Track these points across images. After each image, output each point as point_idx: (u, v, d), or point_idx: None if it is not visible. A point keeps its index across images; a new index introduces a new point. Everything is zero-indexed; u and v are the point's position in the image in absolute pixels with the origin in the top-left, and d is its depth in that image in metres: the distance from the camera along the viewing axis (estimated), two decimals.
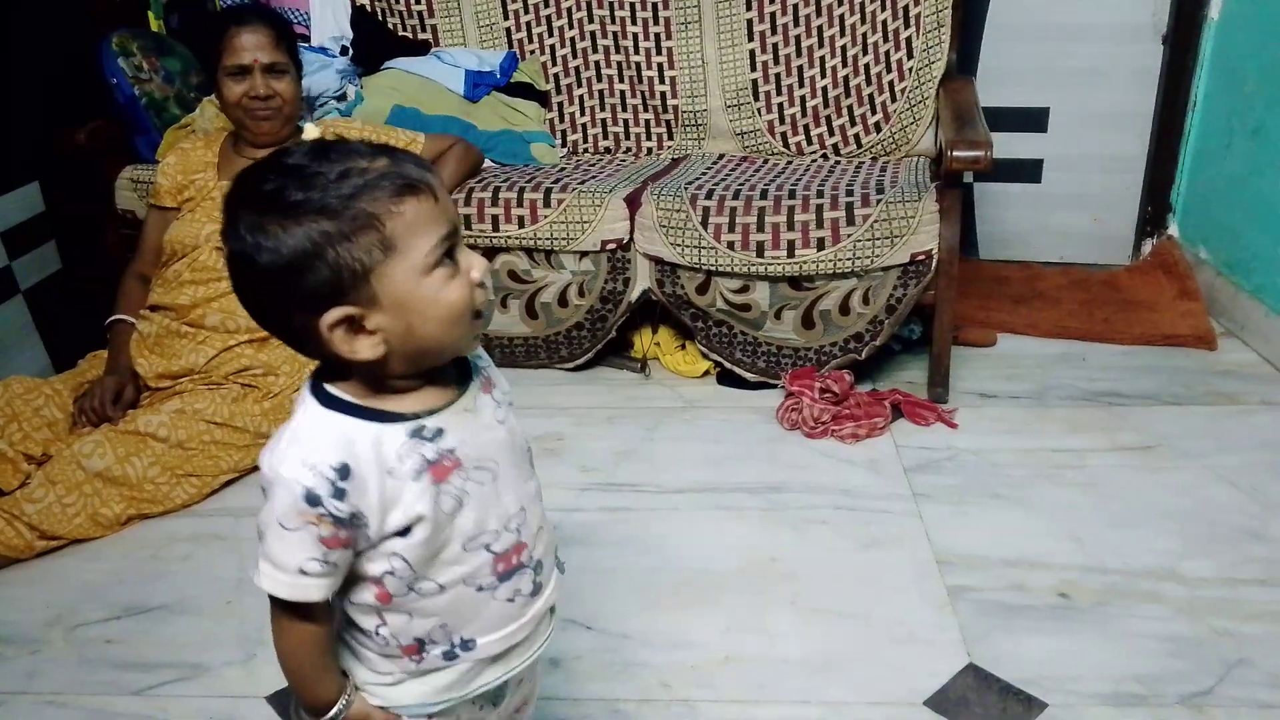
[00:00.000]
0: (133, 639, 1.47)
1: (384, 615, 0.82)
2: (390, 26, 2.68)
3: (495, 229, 2.15)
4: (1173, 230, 2.76)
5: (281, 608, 0.79)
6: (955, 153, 1.90)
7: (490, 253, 2.19)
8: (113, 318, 2.01)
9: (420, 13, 2.66)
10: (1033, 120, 2.75)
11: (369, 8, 2.67)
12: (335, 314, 0.73)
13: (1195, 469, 1.81)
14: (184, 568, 1.64)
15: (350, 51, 2.59)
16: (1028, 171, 2.79)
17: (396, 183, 0.73)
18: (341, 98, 2.50)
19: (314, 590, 0.77)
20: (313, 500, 0.73)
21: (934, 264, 1.99)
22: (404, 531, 0.78)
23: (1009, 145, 2.72)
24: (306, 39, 2.62)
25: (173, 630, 1.49)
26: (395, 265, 0.73)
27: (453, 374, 0.83)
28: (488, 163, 2.39)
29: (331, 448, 0.74)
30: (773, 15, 2.48)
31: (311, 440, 0.75)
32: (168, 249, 2.02)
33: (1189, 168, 2.68)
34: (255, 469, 1.88)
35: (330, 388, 0.78)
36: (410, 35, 2.68)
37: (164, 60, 2.48)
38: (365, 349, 0.74)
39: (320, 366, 0.80)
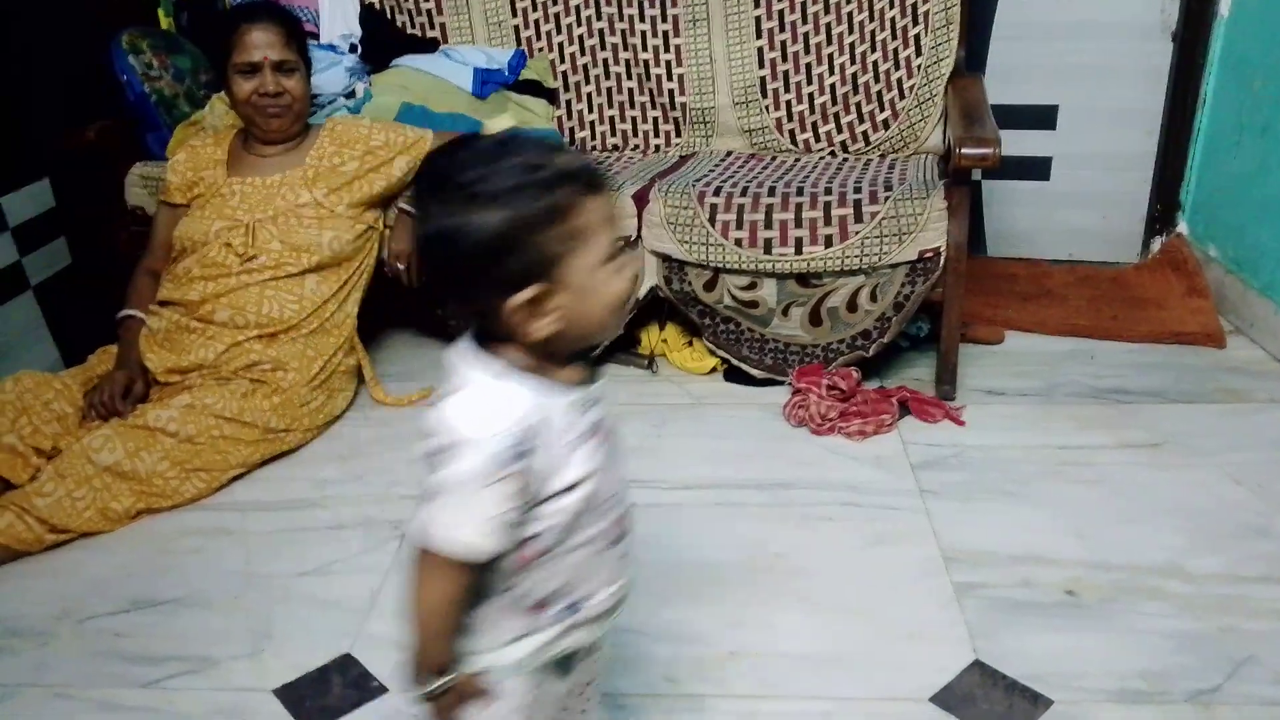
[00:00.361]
0: (141, 632, 1.48)
1: (521, 575, 0.86)
2: (399, 24, 2.69)
3: None
4: (1182, 228, 2.75)
5: (438, 564, 0.82)
6: (963, 150, 1.90)
7: None
8: (123, 313, 2.03)
9: (429, 10, 2.67)
10: (1042, 118, 2.74)
11: (378, 5, 2.67)
12: (523, 296, 0.78)
13: (1203, 466, 1.81)
14: (193, 562, 1.65)
15: (359, 49, 2.59)
16: (1036, 169, 2.79)
17: (586, 179, 0.79)
18: (350, 95, 2.51)
19: (487, 547, 0.81)
20: (501, 461, 0.78)
21: (942, 261, 1.99)
22: (563, 493, 0.83)
23: (1018, 142, 2.71)
24: (316, 36, 2.62)
25: (181, 624, 1.50)
26: (580, 255, 0.79)
27: (584, 356, 0.89)
28: None
29: (512, 412, 0.79)
30: (781, 12, 2.48)
31: (494, 405, 0.80)
32: (177, 245, 2.03)
33: (1198, 165, 2.67)
34: (264, 463, 1.91)
35: (496, 358, 0.82)
36: (419, 33, 2.69)
37: (174, 58, 2.49)
38: (542, 328, 0.80)
39: (473, 336, 0.84)
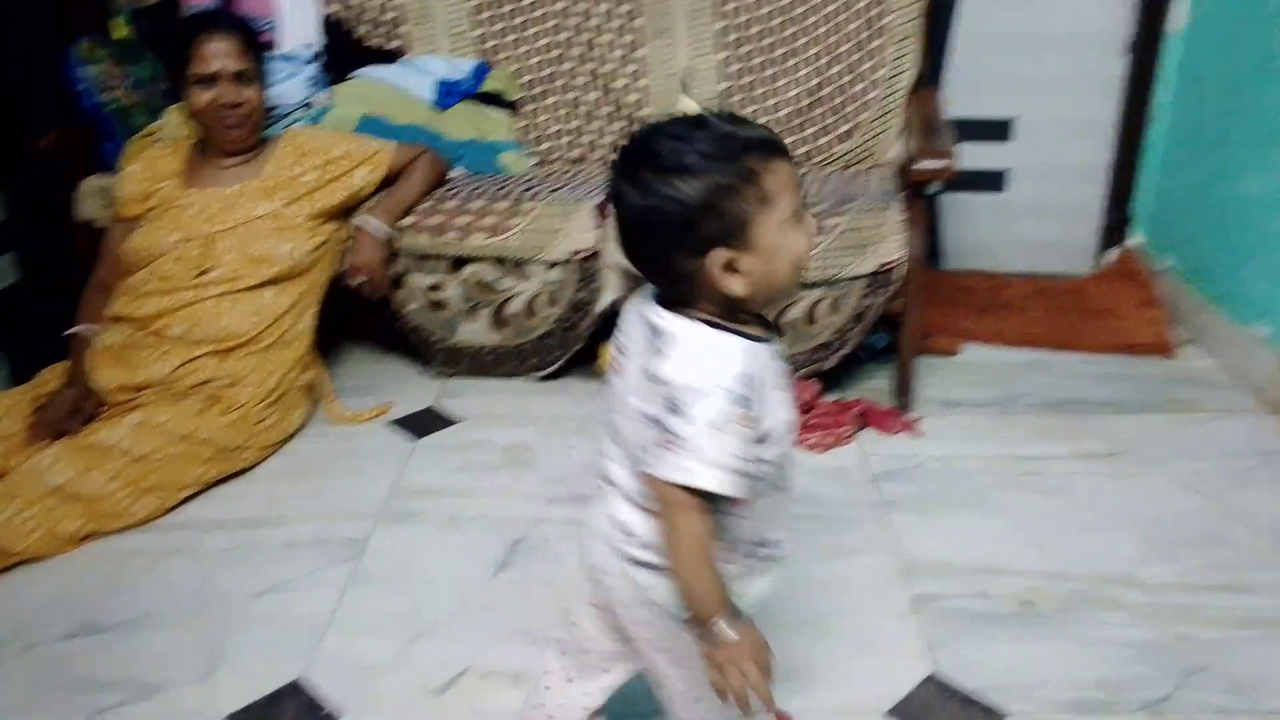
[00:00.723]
0: (89, 657, 1.45)
1: (740, 517, 0.94)
2: (361, 34, 2.67)
3: (464, 238, 2.14)
4: (1135, 239, 2.79)
5: (691, 506, 0.88)
6: (919, 163, 1.92)
7: (458, 262, 2.18)
8: (73, 329, 1.99)
9: (390, 21, 2.65)
10: (999, 130, 2.77)
11: (338, 16, 2.66)
12: (721, 256, 0.87)
13: (1157, 476, 1.83)
14: (144, 583, 1.62)
15: (319, 59, 2.57)
16: (993, 181, 2.82)
17: (769, 146, 0.88)
18: (309, 106, 2.49)
19: (738, 486, 0.87)
20: (740, 402, 0.86)
21: (900, 273, 2.01)
22: (773, 436, 0.91)
23: (976, 155, 2.75)
24: (274, 46, 2.60)
25: (131, 647, 1.47)
26: (768, 216, 0.87)
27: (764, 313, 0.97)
28: (457, 171, 2.39)
29: (738, 360, 0.87)
30: (743, 25, 2.49)
31: (718, 354, 0.88)
32: (131, 258, 2.00)
33: (1151, 177, 2.72)
34: (218, 482, 1.88)
35: (700, 313, 0.90)
36: (380, 43, 2.67)
37: (131, 67, 2.46)
38: (737, 286, 0.88)
39: (659, 299, 0.93)
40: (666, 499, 0.89)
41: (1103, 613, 1.47)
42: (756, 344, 0.90)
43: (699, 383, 0.86)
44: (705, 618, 0.90)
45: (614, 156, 0.90)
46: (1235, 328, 2.26)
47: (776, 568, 1.01)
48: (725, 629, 0.89)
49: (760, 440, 0.89)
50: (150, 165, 2.08)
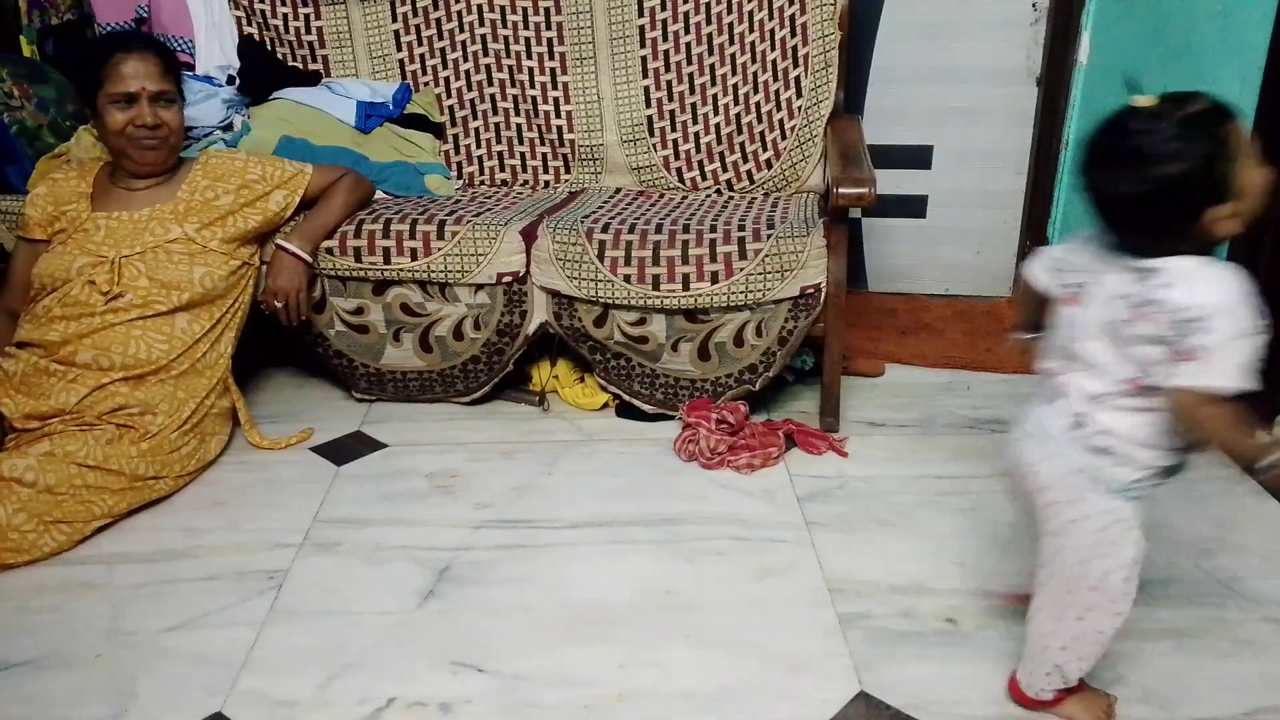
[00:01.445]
0: None
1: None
2: (279, 56, 2.63)
3: (387, 261, 2.11)
4: None
5: (1221, 403, 1.06)
6: (840, 190, 1.95)
7: (381, 286, 2.15)
8: None
9: (311, 43, 2.62)
10: (918, 158, 2.85)
11: (257, 37, 2.62)
12: (1221, 211, 1.06)
13: None
14: (51, 620, 1.55)
15: (237, 81, 2.53)
16: (913, 207, 2.89)
17: (1221, 112, 1.06)
18: (228, 128, 2.44)
19: (1253, 381, 1.06)
20: (1256, 314, 1.04)
21: (823, 297, 2.04)
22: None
23: (896, 182, 2.82)
24: (191, 67, 2.55)
25: (36, 688, 1.40)
26: (1240, 166, 1.05)
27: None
28: (380, 194, 2.36)
29: (1240, 281, 1.05)
30: (666, 53, 2.52)
31: (1222, 280, 1.05)
32: (36, 282, 1.93)
33: (1063, 203, 2.81)
34: (132, 513, 1.81)
35: (1184, 253, 1.08)
36: (300, 65, 2.64)
37: (37, 87, 2.38)
38: (1231, 227, 1.07)
39: (1130, 249, 1.12)
40: (1186, 403, 1.08)
41: (1021, 628, 1.49)
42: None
43: (1214, 306, 1.04)
44: (1254, 459, 1.10)
45: (1084, 155, 1.11)
46: None
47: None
48: (1265, 441, 1.10)
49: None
50: (55, 188, 2.01)
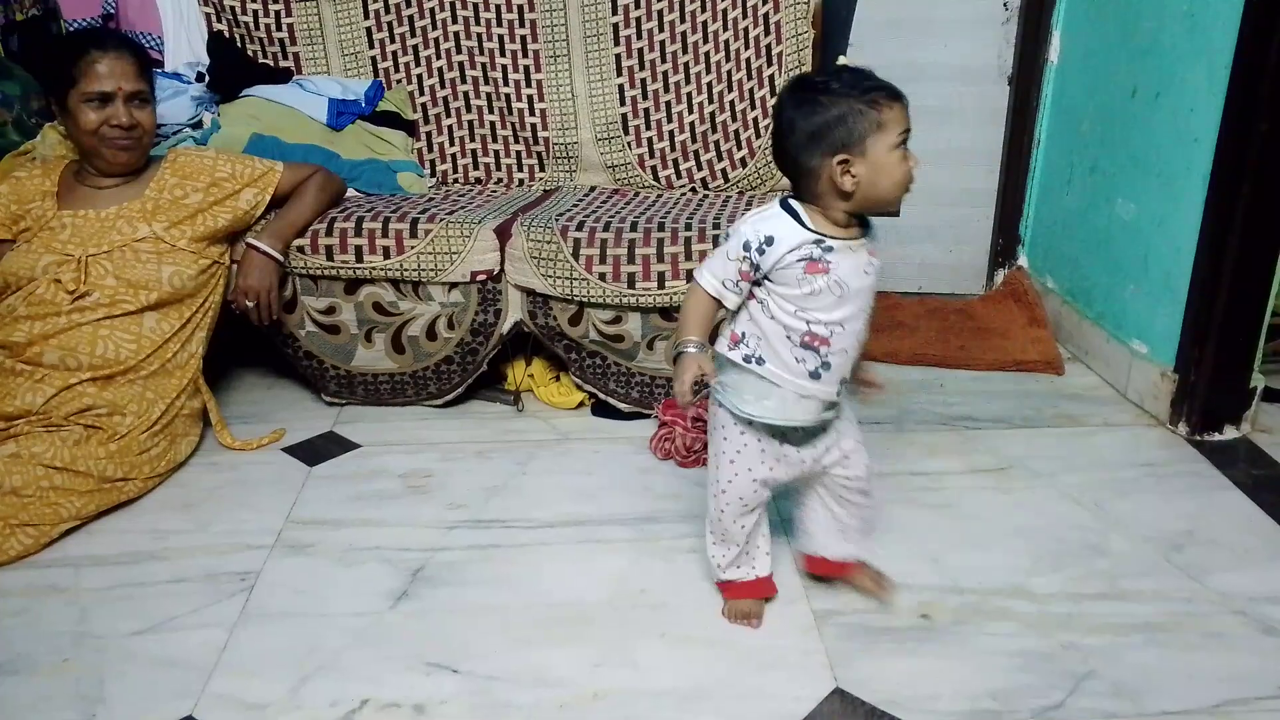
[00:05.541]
0: None
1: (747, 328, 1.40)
2: (250, 54, 2.60)
3: (359, 260, 2.10)
4: (1022, 261, 2.91)
5: (695, 289, 1.36)
6: None
7: (354, 284, 2.13)
8: None
9: (281, 40, 2.59)
10: None
11: (227, 34, 2.59)
12: (841, 156, 1.24)
13: (1044, 489, 1.90)
14: (16, 624, 1.52)
15: (206, 78, 2.49)
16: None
17: (890, 91, 1.25)
18: (197, 125, 2.41)
19: (731, 299, 1.34)
20: (743, 247, 1.29)
21: None
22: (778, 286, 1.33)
23: None
24: (160, 64, 2.52)
25: (3, 693, 1.37)
26: (879, 138, 1.24)
27: (866, 227, 1.34)
28: (352, 192, 2.34)
29: (764, 225, 1.29)
30: (640, 51, 2.52)
31: (760, 218, 1.30)
32: (0, 281, 1.90)
33: (1035, 202, 2.84)
34: (100, 515, 1.79)
35: (792, 202, 1.31)
36: (271, 63, 2.61)
37: (1, 84, 2.34)
38: (847, 184, 1.25)
39: (792, 191, 1.33)
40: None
41: (994, 624, 1.51)
42: (802, 231, 1.28)
43: (735, 227, 1.30)
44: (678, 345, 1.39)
45: (785, 87, 1.30)
46: (1115, 345, 2.36)
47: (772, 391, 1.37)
48: (690, 351, 1.38)
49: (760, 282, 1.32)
50: (19, 186, 1.98)
